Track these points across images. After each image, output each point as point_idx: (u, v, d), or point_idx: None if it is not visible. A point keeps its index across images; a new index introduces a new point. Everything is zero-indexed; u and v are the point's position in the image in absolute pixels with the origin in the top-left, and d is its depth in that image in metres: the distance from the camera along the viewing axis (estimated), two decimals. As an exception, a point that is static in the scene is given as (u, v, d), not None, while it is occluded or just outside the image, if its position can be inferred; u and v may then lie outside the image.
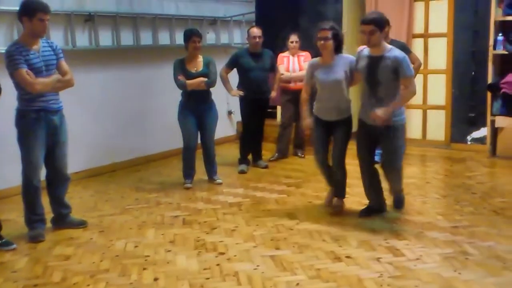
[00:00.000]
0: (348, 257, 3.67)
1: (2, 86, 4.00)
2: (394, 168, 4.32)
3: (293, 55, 6.53)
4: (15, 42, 4.06)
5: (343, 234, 4.10)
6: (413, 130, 7.48)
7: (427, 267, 3.47)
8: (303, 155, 6.76)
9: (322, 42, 4.28)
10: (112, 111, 6.32)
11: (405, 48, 6.11)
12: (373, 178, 4.45)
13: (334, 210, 4.63)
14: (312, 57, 6.54)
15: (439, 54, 7.14)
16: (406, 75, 4.01)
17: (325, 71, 4.38)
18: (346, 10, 7.71)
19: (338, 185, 4.67)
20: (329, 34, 4.26)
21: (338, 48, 4.36)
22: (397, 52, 4.04)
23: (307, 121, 4.61)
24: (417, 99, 7.32)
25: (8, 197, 4.84)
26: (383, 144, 4.27)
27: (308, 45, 6.61)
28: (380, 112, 4.02)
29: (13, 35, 5.18)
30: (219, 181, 5.64)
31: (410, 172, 5.99)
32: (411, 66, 4.14)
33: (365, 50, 4.20)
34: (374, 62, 4.07)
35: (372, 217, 4.43)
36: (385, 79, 4.05)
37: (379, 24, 3.99)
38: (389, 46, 4.11)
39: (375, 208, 4.52)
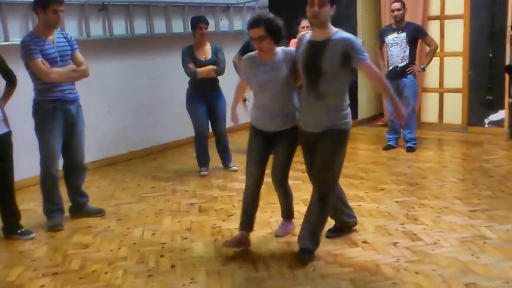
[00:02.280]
0: (364, 242, 3.66)
1: (18, 78, 4.05)
2: (321, 191, 3.39)
3: (305, 40, 6.46)
4: (30, 33, 4.09)
5: (359, 219, 4.05)
6: (429, 113, 7.43)
7: (445, 251, 3.44)
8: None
9: (256, 42, 3.42)
10: (126, 100, 6.35)
11: (421, 31, 6.11)
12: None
13: (276, 233, 3.89)
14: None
15: (455, 36, 7.02)
16: (362, 59, 3.13)
17: (265, 69, 3.48)
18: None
19: (283, 206, 3.90)
20: (262, 32, 3.36)
21: (277, 41, 3.48)
22: (346, 34, 3.19)
23: (235, 115, 3.93)
24: (433, 82, 7.29)
25: (26, 187, 4.90)
26: (317, 153, 3.35)
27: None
28: (396, 112, 3.29)
29: (28, 26, 5.21)
30: (234, 168, 5.65)
31: (427, 156, 5.96)
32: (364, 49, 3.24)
33: (306, 35, 3.36)
34: (317, 48, 3.19)
35: (342, 236, 3.79)
36: (330, 68, 3.15)
37: None
38: (335, 29, 3.22)
39: (340, 227, 3.83)
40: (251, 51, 5.89)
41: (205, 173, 5.56)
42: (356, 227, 3.92)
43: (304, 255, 3.42)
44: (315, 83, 3.24)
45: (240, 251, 3.61)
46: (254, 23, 3.37)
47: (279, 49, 3.52)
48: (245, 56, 3.65)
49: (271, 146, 3.63)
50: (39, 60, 3.91)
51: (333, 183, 3.40)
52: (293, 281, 3.17)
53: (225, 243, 3.70)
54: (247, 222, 3.68)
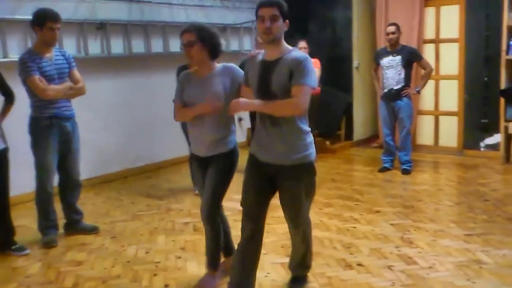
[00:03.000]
0: (359, 264, 3.65)
1: (16, 95, 4.06)
2: (299, 231, 3.11)
3: (302, 61, 6.51)
4: (29, 50, 4.11)
5: (354, 241, 4.08)
6: (425, 136, 7.47)
7: (440, 275, 3.43)
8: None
9: (185, 49, 3.11)
10: (123, 118, 6.36)
11: (416, 54, 6.18)
12: (254, 244, 3.05)
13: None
14: (322, 65, 6.62)
15: (450, 59, 7.11)
16: (300, 81, 2.73)
17: (197, 86, 3.17)
18: (356, 16, 7.74)
19: (208, 251, 3.38)
20: (192, 37, 3.06)
21: (213, 54, 3.15)
22: (298, 53, 2.84)
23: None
24: (429, 105, 7.35)
25: (21, 203, 4.87)
26: (282, 191, 2.98)
27: (317, 51, 6.65)
28: (241, 100, 2.88)
29: (27, 43, 5.24)
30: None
31: (422, 178, 5.98)
32: (315, 74, 2.89)
33: (259, 55, 2.97)
34: (269, 68, 2.84)
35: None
36: (280, 89, 2.79)
37: (284, 9, 2.82)
38: (290, 47, 2.89)
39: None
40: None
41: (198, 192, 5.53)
42: (351, 249, 3.92)
43: (295, 285, 3.33)
44: None
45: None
46: (186, 29, 3.12)
47: (219, 65, 3.22)
48: (181, 73, 3.31)
49: (204, 171, 3.26)
50: (37, 77, 3.93)
51: (307, 221, 3.13)
52: (287, 302, 3.15)
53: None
54: (210, 257, 3.42)
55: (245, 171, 3.04)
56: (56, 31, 4.03)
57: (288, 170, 2.88)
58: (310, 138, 2.93)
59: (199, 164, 3.28)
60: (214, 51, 3.14)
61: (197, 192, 5.49)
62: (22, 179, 4.39)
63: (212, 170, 3.18)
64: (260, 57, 2.94)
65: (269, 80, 2.82)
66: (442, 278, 3.38)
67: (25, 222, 4.57)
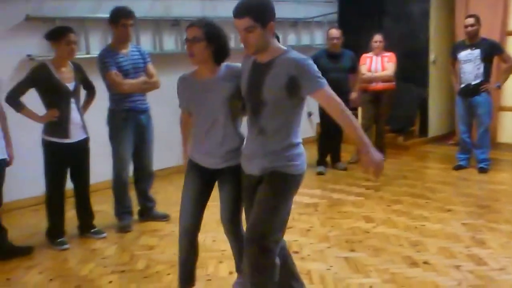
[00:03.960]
0: (425, 263, 3.59)
1: (96, 88, 4.32)
2: (253, 250, 2.52)
3: (376, 55, 6.45)
4: (106, 47, 4.37)
5: (422, 239, 4.00)
6: (506, 133, 7.12)
7: None
8: (383, 158, 6.61)
9: (188, 44, 2.74)
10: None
11: (497, 47, 5.91)
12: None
13: None
14: (397, 58, 6.49)
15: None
16: (316, 86, 2.44)
17: (201, 90, 2.81)
18: (434, 9, 7.48)
19: (236, 258, 3.15)
20: (198, 32, 2.70)
21: (219, 56, 2.78)
22: (296, 54, 2.49)
23: (185, 151, 3.13)
24: (510, 100, 6.98)
25: (100, 190, 5.14)
26: (257, 199, 2.58)
27: (392, 45, 6.54)
28: (371, 160, 2.47)
29: (107, 40, 5.51)
30: None
31: (501, 178, 5.74)
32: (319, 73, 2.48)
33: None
34: (260, 71, 2.52)
35: None
36: (272, 96, 2.47)
37: (259, 14, 2.44)
38: (283, 48, 2.57)
39: None
40: (318, 66, 6.01)
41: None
42: (418, 247, 3.85)
43: None
44: (256, 115, 2.56)
45: (297, 259, 3.64)
46: (193, 23, 2.76)
47: (223, 66, 2.84)
48: (179, 77, 2.95)
49: (209, 188, 2.94)
50: (113, 72, 4.16)
51: (270, 241, 2.52)
52: (348, 296, 3.17)
53: None
54: (185, 278, 3.08)
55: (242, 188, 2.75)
56: (129, 28, 4.23)
57: (265, 177, 2.57)
58: (299, 150, 2.60)
59: (199, 173, 2.90)
60: (219, 53, 2.78)
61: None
62: (101, 168, 4.63)
63: (227, 187, 2.87)
64: (252, 58, 2.60)
65: (260, 85, 2.50)
66: (513, 281, 3.27)
67: (103, 208, 4.84)
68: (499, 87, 6.01)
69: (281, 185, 2.54)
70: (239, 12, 2.44)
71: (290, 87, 2.44)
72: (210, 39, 2.72)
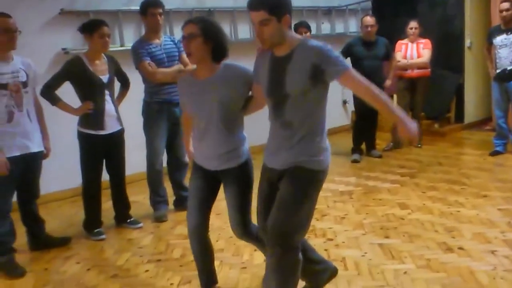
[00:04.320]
0: (460, 248, 3.56)
1: (130, 80, 4.40)
2: (277, 249, 2.49)
3: (412, 42, 6.39)
4: (139, 39, 4.46)
5: (457, 225, 3.97)
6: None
7: (548, 262, 3.26)
8: (419, 145, 6.57)
9: (184, 41, 2.67)
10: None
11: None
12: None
13: None
14: (432, 45, 6.40)
15: None
16: (341, 69, 2.38)
17: (197, 90, 2.75)
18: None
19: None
20: (195, 29, 2.62)
21: (216, 54, 2.69)
22: (314, 42, 2.44)
23: (189, 151, 3.10)
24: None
25: (136, 181, 5.25)
26: (279, 197, 2.53)
27: (427, 32, 6.44)
28: (405, 129, 2.40)
29: (141, 32, 5.60)
30: None
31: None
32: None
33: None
34: (279, 65, 2.47)
35: None
36: (295, 88, 2.43)
37: (275, 7, 2.38)
38: (300, 37, 2.58)
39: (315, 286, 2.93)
40: (352, 53, 6.00)
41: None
42: (453, 233, 3.82)
43: None
44: (279, 109, 2.52)
45: (330, 245, 3.66)
46: (189, 19, 2.70)
47: (222, 65, 2.75)
48: (180, 79, 2.97)
49: (213, 189, 2.90)
50: (146, 62, 4.23)
51: (294, 240, 2.51)
52: (382, 281, 3.17)
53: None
54: (206, 279, 3.09)
55: (259, 181, 2.73)
56: (158, 17, 4.28)
57: (288, 172, 2.52)
58: (325, 145, 2.56)
59: (203, 175, 2.87)
60: (218, 50, 2.69)
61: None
62: (137, 159, 4.73)
63: (230, 189, 2.84)
64: (269, 53, 2.54)
65: (282, 79, 2.46)
66: (550, 266, 3.21)
67: (139, 198, 4.95)
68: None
69: (303, 182, 2.49)
70: (254, 5, 2.40)
71: (314, 75, 2.39)
72: (207, 35, 2.64)
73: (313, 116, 2.50)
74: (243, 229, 2.90)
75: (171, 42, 4.47)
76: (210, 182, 2.87)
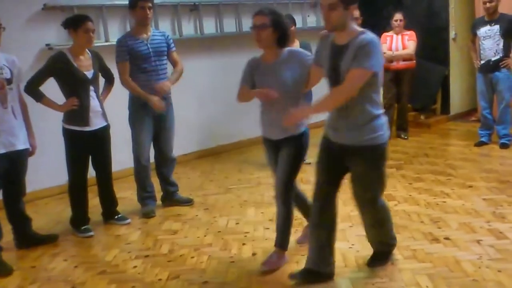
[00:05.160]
0: (446, 238, 3.60)
1: (116, 75, 4.37)
2: (368, 211, 3.13)
3: (397, 34, 6.42)
4: (125, 34, 4.44)
5: (443, 216, 4.01)
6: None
7: (532, 250, 3.31)
8: (406, 137, 6.62)
9: (256, 30, 3.12)
10: (216, 96, 6.59)
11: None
12: (326, 219, 3.11)
13: (263, 269, 3.34)
14: (417, 36, 6.43)
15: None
16: (354, 65, 2.71)
17: (265, 72, 3.22)
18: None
19: (278, 229, 3.38)
20: (266, 20, 3.08)
21: (282, 41, 3.16)
22: (367, 36, 2.74)
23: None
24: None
25: (123, 177, 5.26)
26: (352, 170, 3.00)
27: (412, 23, 6.47)
28: (294, 111, 2.95)
29: (126, 28, 5.60)
30: (307, 161, 5.74)
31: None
32: (380, 58, 2.77)
33: (331, 35, 2.90)
34: (338, 52, 2.81)
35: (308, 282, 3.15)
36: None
37: None
38: (360, 29, 2.82)
39: (313, 270, 3.15)
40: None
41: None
42: (439, 223, 3.86)
43: (374, 262, 3.29)
44: None
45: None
46: (260, 10, 3.14)
47: (285, 50, 3.20)
48: (249, 59, 3.37)
49: (277, 154, 3.30)
50: (125, 63, 4.25)
51: (379, 201, 3.10)
52: (369, 272, 3.21)
53: (297, 244, 3.66)
54: (278, 237, 3.43)
55: (318, 152, 3.09)
56: (147, 10, 4.25)
57: (355, 151, 2.88)
58: (380, 121, 2.88)
59: (271, 146, 3.33)
60: (283, 38, 3.15)
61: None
62: (125, 155, 4.72)
63: (284, 153, 3.22)
64: (330, 38, 2.89)
65: (338, 65, 2.79)
66: (533, 254, 3.26)
67: (127, 194, 4.95)
68: (519, 60, 5.89)
69: (372, 159, 2.91)
70: None
71: None
72: (276, 26, 3.09)
73: (368, 97, 2.81)
74: (284, 192, 3.26)
75: (161, 37, 4.44)
76: (274, 151, 3.31)
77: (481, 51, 5.90)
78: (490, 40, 5.77)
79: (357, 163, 2.93)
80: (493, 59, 5.77)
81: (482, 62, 5.90)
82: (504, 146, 5.87)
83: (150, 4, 4.28)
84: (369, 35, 2.74)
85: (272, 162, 3.37)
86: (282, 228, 3.35)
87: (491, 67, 5.80)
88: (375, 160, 2.94)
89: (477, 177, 4.91)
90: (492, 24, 5.74)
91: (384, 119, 2.92)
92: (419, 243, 3.56)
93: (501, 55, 5.74)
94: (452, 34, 7.45)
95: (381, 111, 2.91)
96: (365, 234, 3.32)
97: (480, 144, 6.07)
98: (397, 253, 3.41)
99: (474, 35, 6.02)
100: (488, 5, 5.70)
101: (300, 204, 3.48)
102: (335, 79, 2.83)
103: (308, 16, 7.50)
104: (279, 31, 3.11)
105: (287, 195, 3.27)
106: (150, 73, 4.32)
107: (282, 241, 3.38)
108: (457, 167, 5.30)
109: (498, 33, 5.70)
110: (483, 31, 5.82)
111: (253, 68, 3.29)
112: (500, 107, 5.90)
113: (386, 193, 4.49)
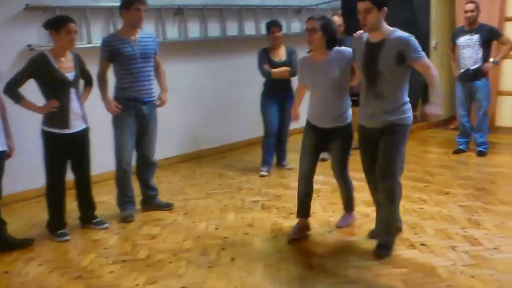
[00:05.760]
0: (422, 244, 3.65)
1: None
2: (386, 184, 3.46)
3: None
4: (113, 33, 4.46)
5: (420, 222, 4.07)
6: (504, 117, 7.17)
7: (505, 257, 3.38)
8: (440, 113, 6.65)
9: (308, 33, 3.64)
10: (199, 100, 6.59)
11: (495, 32, 5.94)
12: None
13: (337, 224, 4.10)
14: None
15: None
16: (418, 57, 3.26)
17: (316, 70, 3.71)
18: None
19: (344, 198, 4.10)
20: (316, 24, 3.58)
21: (330, 43, 3.65)
22: (400, 33, 3.32)
23: (295, 113, 4.12)
24: (509, 85, 6.99)
25: (102, 181, 5.22)
26: (379, 151, 3.46)
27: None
28: (431, 108, 3.40)
29: (109, 30, 5.57)
30: (288, 166, 5.80)
31: (498, 161, 5.80)
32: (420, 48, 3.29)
33: (364, 35, 3.47)
34: (374, 49, 3.35)
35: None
36: (387, 69, 3.32)
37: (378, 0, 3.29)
38: (391, 28, 3.36)
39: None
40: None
41: (265, 174, 5.67)
42: (416, 229, 3.91)
43: (381, 251, 3.51)
44: (373, 83, 3.41)
45: (299, 244, 3.76)
46: (312, 16, 3.67)
47: (333, 50, 3.68)
48: (300, 58, 3.94)
49: (323, 143, 3.83)
50: (104, 63, 4.30)
51: (396, 176, 3.47)
52: (345, 278, 3.23)
53: (289, 240, 3.86)
54: (303, 210, 3.94)
55: (358, 139, 3.64)
56: (142, 12, 4.25)
57: (388, 130, 3.40)
58: (408, 106, 3.44)
59: (315, 131, 3.79)
60: (331, 41, 3.65)
61: (262, 173, 5.66)
62: (105, 158, 4.69)
63: (335, 142, 3.79)
64: (364, 38, 3.43)
65: (375, 60, 3.32)
66: (506, 260, 3.33)
67: (106, 198, 4.91)
68: (496, 63, 5.96)
69: (398, 134, 3.40)
70: None
71: (399, 59, 3.26)
72: (325, 30, 3.59)
73: (398, 87, 3.37)
74: (341, 173, 3.91)
75: (150, 39, 4.46)
76: (320, 137, 3.79)
77: (461, 60, 5.99)
78: (469, 49, 5.86)
79: (387, 137, 3.40)
80: (472, 68, 5.87)
81: (462, 70, 5.99)
82: (481, 154, 5.96)
83: (145, 7, 4.29)
84: (403, 32, 3.31)
85: (311, 144, 3.81)
86: (347, 197, 4.05)
87: (470, 76, 5.90)
88: (403, 137, 3.43)
89: (454, 184, 4.98)
90: (472, 34, 5.84)
91: (410, 106, 3.46)
92: (396, 249, 3.59)
93: (480, 64, 5.83)
94: (433, 42, 7.55)
95: (408, 99, 3.44)
96: (376, 218, 3.67)
97: (458, 151, 6.16)
98: (373, 259, 3.45)
99: (454, 44, 6.11)
100: (469, 14, 5.81)
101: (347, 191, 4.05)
102: (372, 71, 3.36)
103: (292, 22, 7.54)
104: (327, 34, 3.61)
105: (344, 175, 3.93)
106: (134, 75, 4.32)
107: (349, 205, 4.09)
108: (435, 174, 5.37)
109: (478, 42, 5.80)
110: (462, 40, 5.91)
111: (305, 66, 3.81)
112: (478, 115, 6.00)
113: (365, 199, 4.60)
